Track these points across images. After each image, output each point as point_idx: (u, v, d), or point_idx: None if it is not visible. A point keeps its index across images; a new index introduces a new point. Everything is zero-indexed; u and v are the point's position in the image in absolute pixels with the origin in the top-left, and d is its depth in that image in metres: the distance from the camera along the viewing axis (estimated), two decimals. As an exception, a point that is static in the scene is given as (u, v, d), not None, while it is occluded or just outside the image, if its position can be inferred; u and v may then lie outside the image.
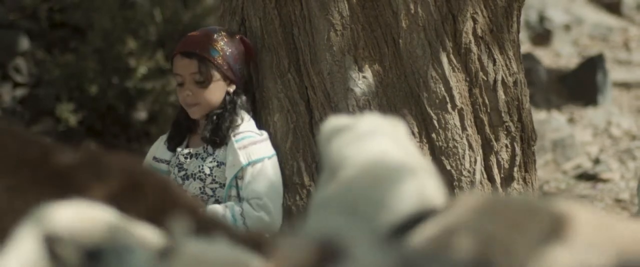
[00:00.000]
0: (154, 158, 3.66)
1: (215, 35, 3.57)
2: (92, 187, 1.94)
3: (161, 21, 6.59)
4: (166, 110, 6.52)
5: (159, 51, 6.53)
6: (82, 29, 6.75)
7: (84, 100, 6.51)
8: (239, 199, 3.51)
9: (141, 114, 6.68)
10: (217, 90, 3.54)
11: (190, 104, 3.55)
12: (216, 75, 3.53)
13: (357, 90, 3.62)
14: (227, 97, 3.56)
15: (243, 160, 3.49)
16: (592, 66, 7.52)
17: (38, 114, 6.55)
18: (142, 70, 6.42)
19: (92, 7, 6.60)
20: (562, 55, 8.30)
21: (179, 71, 3.56)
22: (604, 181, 6.32)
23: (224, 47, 3.55)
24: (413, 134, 3.64)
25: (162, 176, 2.14)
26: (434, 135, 3.66)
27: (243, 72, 3.61)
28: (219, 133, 3.53)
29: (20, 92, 6.63)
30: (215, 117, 3.54)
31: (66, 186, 2.02)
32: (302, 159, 3.66)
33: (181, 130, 3.65)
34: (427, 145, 3.67)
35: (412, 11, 3.62)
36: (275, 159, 3.58)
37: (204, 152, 3.57)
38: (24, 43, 6.66)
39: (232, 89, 3.57)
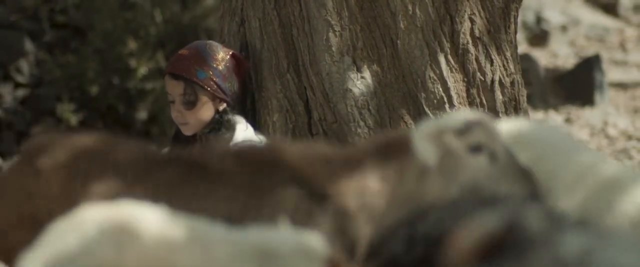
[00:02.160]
0: None
1: (204, 55, 3.58)
2: None
3: (161, 22, 6.59)
4: (166, 111, 6.52)
5: (159, 52, 6.53)
6: (83, 29, 6.75)
7: (85, 101, 6.52)
8: None
9: (141, 114, 6.69)
10: (206, 111, 3.58)
11: (180, 123, 3.61)
12: (203, 98, 3.56)
13: (356, 90, 3.64)
14: (216, 116, 3.59)
15: None
16: (588, 67, 7.53)
17: (39, 114, 6.54)
18: (143, 70, 6.43)
19: (93, 8, 6.60)
20: (559, 55, 8.32)
21: (169, 91, 3.61)
22: (601, 180, 6.32)
23: (213, 67, 3.56)
24: (411, 133, 3.67)
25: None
26: (432, 135, 3.68)
27: (234, 88, 3.63)
28: None
29: (21, 92, 6.63)
30: (204, 137, 3.59)
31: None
32: (301, 158, 3.68)
33: (181, 144, 3.69)
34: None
35: (410, 12, 3.64)
36: None
37: None
38: (26, 44, 6.66)
39: (222, 107, 3.60)
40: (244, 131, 3.60)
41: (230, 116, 3.60)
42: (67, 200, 2.40)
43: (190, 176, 2.53)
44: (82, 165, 2.49)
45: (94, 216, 2.10)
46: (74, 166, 2.49)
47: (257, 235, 2.14)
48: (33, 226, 2.33)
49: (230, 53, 3.64)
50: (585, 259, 1.37)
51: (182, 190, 2.50)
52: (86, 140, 2.56)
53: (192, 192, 2.50)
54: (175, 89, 3.58)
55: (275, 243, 2.11)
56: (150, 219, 2.11)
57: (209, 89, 3.55)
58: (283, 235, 2.14)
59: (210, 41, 3.73)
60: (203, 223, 2.16)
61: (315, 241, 2.14)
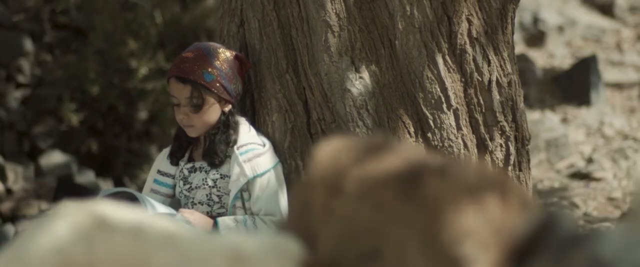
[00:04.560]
0: (159, 171, 3.72)
1: (209, 57, 3.58)
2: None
3: (161, 23, 6.63)
4: (166, 110, 6.56)
5: (159, 52, 6.57)
6: (84, 30, 6.79)
7: (86, 101, 6.56)
8: (245, 210, 3.57)
9: (142, 114, 6.72)
10: (212, 113, 3.57)
11: (186, 126, 3.60)
12: (210, 99, 3.55)
13: (354, 90, 3.66)
14: (222, 117, 3.59)
15: (249, 173, 3.53)
16: (585, 67, 7.57)
17: (40, 114, 6.58)
18: (143, 71, 6.46)
19: (94, 9, 6.63)
20: (555, 56, 8.35)
21: (174, 94, 3.59)
22: (597, 179, 6.34)
23: (218, 69, 3.56)
24: (409, 133, 3.68)
25: None
26: (429, 135, 3.70)
27: (238, 89, 3.64)
28: (214, 154, 3.58)
29: (23, 92, 6.66)
30: (210, 138, 3.60)
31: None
32: (300, 157, 3.69)
33: (182, 144, 3.70)
34: (423, 144, 3.70)
35: (408, 13, 3.66)
36: (279, 166, 3.63)
37: (208, 165, 3.63)
38: (27, 44, 6.69)
39: (227, 108, 3.60)
40: (247, 133, 3.61)
41: (235, 117, 3.63)
42: (326, 214, 2.36)
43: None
44: (338, 179, 2.43)
45: (66, 214, 2.10)
46: (332, 180, 2.43)
47: (231, 236, 2.14)
48: (306, 237, 2.29)
49: (234, 54, 3.66)
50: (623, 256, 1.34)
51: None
52: (344, 151, 2.50)
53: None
54: (181, 92, 3.57)
55: (249, 244, 2.11)
56: (123, 217, 2.11)
57: (215, 91, 3.56)
58: (257, 237, 2.14)
59: (212, 43, 3.74)
60: (178, 223, 2.17)
61: (290, 243, 2.14)
